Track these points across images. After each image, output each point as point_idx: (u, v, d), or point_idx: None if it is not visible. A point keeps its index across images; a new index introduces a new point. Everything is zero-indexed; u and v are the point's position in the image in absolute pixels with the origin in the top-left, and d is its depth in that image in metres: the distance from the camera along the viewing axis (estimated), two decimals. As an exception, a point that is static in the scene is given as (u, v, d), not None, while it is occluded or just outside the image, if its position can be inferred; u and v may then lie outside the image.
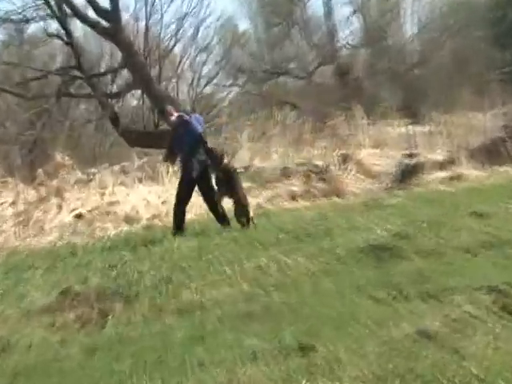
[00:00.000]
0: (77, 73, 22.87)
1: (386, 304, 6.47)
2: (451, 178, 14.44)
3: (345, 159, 16.13)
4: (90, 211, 13.86)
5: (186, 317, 7.13)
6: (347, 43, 32.17)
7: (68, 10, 22.10)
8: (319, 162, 15.85)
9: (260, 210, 13.62)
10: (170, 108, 12.19)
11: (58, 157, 15.29)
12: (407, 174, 14.86)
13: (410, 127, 18.67)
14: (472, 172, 14.80)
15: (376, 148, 17.89)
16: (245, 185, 15.90)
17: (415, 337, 5.42)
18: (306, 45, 33.00)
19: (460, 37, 29.96)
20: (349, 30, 32.65)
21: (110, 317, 7.40)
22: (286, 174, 15.99)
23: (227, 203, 11.68)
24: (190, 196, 11.64)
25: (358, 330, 5.81)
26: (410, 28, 32.60)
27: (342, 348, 5.35)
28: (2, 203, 14.38)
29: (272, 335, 6.00)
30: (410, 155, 16.06)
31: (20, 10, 21.95)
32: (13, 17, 22.01)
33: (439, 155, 16.03)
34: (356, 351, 5.25)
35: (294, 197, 14.45)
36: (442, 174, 14.75)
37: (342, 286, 7.36)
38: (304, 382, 4.78)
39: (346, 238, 9.54)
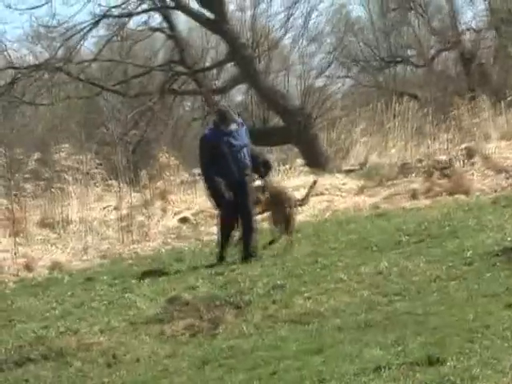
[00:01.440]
0: (180, 68, 23.14)
1: (525, 313, 6.28)
2: None
3: (470, 153, 15.83)
4: (195, 214, 14.00)
5: (301, 327, 7.13)
6: (471, 27, 31.63)
7: (171, 2, 22.41)
8: (442, 157, 15.62)
9: (377, 209, 13.51)
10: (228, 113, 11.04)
11: (163, 157, 15.48)
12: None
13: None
14: None
15: (505, 140, 17.48)
16: (359, 182, 15.89)
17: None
18: (425, 30, 32.59)
19: None
20: (472, 12, 32.08)
21: (220, 327, 7.44)
22: (405, 170, 15.83)
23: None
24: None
25: (493, 341, 5.68)
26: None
27: (476, 362, 5.22)
28: (105, 207, 14.68)
29: (397, 347, 5.93)
30: (545, 147, 15.64)
31: (121, 4, 22.37)
32: (114, 11, 22.41)
33: None
34: (492, 365, 5.12)
35: (414, 195, 14.27)
36: None
37: (473, 293, 7.24)
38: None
39: (475, 240, 9.37)
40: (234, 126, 10.65)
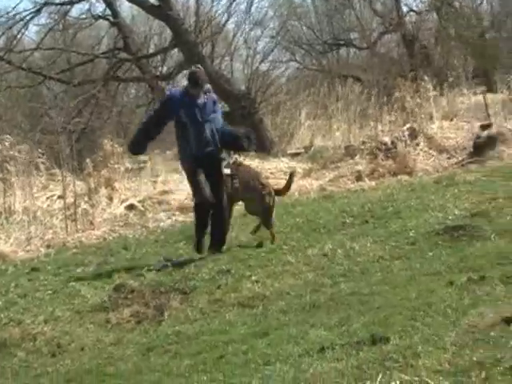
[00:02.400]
0: (124, 55, 22.98)
1: (466, 289, 6.34)
2: (533, 149, 14.18)
3: (414, 134, 15.94)
4: (141, 201, 13.93)
5: (247, 311, 7.14)
6: (413, 9, 31.82)
7: (114, -12, 22.26)
8: (386, 138, 15.69)
9: (323, 192, 13.57)
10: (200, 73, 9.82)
11: (107, 145, 15.34)
12: (483, 147, 14.59)
13: (484, 96, 18.31)
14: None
15: (448, 120, 17.66)
16: (305, 166, 15.93)
17: (500, 324, 5.28)
18: (368, 12, 32.73)
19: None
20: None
21: (166, 313, 7.43)
22: (350, 152, 15.91)
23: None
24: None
25: (435, 319, 5.71)
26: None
27: (419, 339, 5.24)
28: (49, 196, 14.54)
29: (341, 327, 5.95)
30: (486, 126, 15.78)
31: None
32: (56, -1, 22.19)
33: (518, 124, 15.74)
34: (434, 342, 5.13)
35: (359, 177, 14.35)
36: (523, 145, 14.49)
37: (416, 272, 7.28)
38: (379, 377, 4.66)
39: (418, 220, 9.46)
40: (201, 99, 9.51)
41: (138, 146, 10.05)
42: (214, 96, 9.97)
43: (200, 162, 9.44)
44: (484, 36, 29.48)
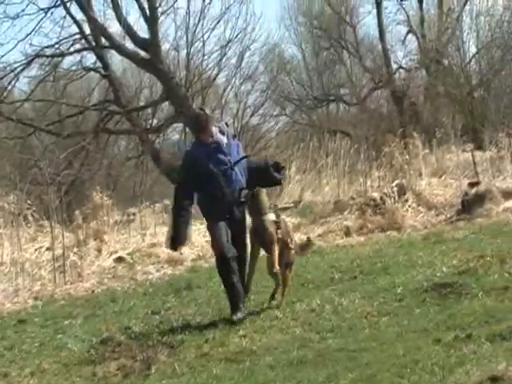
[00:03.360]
0: (115, 107, 23.16)
1: (453, 347, 6.37)
2: (521, 208, 14.24)
3: (402, 190, 15.97)
4: (130, 254, 13.92)
5: (234, 366, 7.10)
6: (402, 66, 32.11)
7: (105, 42, 22.41)
8: (375, 194, 15.73)
9: (312, 247, 13.57)
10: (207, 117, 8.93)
11: (97, 197, 15.37)
12: (472, 204, 14.66)
13: (473, 153, 18.44)
14: (544, 200, 14.59)
15: (436, 177, 17.72)
16: (294, 220, 15.96)
17: (486, 383, 5.31)
18: (358, 69, 33.07)
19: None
20: (404, 51, 32.57)
21: (153, 367, 7.38)
22: (339, 207, 15.93)
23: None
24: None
25: (422, 376, 5.74)
26: (469, 48, 32.44)
27: (406, 397, 5.25)
28: (38, 248, 14.50)
29: (328, 383, 5.92)
30: (475, 184, 15.86)
31: (55, 44, 22.31)
32: (47, 51, 22.35)
33: (506, 182, 15.80)
34: (421, 400, 5.15)
35: (348, 232, 14.36)
36: (511, 204, 14.52)
37: (404, 329, 7.29)
38: None
39: (406, 276, 9.46)
40: (223, 139, 8.77)
41: (179, 236, 8.94)
42: (237, 141, 9.32)
43: (233, 214, 8.80)
44: (472, 94, 29.74)
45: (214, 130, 8.76)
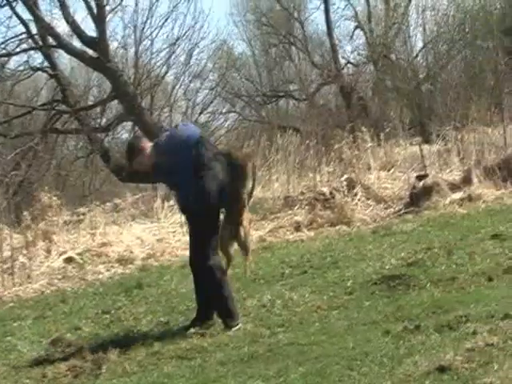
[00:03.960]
0: (63, 107, 22.99)
1: (402, 338, 6.43)
2: (467, 200, 14.35)
3: (352, 184, 16.03)
4: (80, 254, 13.80)
5: (185, 363, 7.08)
6: (350, 61, 32.29)
7: (52, 41, 22.22)
8: (324, 189, 15.77)
9: (263, 243, 13.58)
10: (138, 142, 8.51)
11: (45, 198, 15.20)
12: (419, 197, 14.77)
13: (420, 146, 18.60)
14: (490, 192, 14.71)
15: (385, 170, 17.82)
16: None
17: (434, 373, 5.35)
18: (306, 65, 33.17)
19: (470, 49, 30.08)
20: (352, 46, 32.76)
21: (104, 367, 7.32)
22: (289, 203, 15.92)
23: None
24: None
25: (371, 368, 5.77)
26: (416, 42, 32.73)
27: (354, 389, 5.28)
28: (-15, 250, 14.35)
29: (279, 378, 5.98)
30: (422, 177, 15.98)
31: (1, 44, 22.12)
32: (-6, 51, 22.15)
33: (453, 175, 15.96)
34: (370, 392, 5.17)
35: (298, 227, 14.38)
36: (457, 196, 14.63)
37: (354, 322, 7.35)
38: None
39: (355, 269, 9.54)
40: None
41: None
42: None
43: None
44: (419, 88, 29.98)
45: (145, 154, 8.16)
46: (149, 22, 23.03)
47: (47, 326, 9.41)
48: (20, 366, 7.83)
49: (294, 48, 33.72)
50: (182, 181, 8.04)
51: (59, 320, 9.58)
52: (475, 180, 15.13)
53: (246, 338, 7.51)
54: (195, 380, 6.46)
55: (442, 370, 5.34)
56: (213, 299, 8.14)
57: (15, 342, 8.84)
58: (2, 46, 22.31)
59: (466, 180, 15.23)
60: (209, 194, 8.02)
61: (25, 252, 13.58)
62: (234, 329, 7.83)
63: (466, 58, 30.58)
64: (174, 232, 14.61)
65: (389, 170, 17.80)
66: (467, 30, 30.86)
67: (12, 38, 22.28)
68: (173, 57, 24.21)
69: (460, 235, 10.66)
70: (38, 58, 23.36)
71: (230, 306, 8.08)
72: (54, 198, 15.05)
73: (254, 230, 14.75)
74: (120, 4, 22.35)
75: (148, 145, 8.19)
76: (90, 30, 21.74)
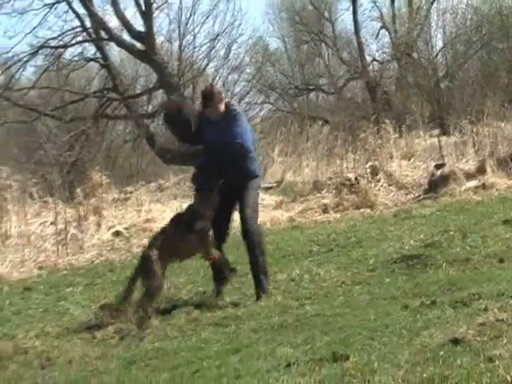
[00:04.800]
0: (113, 95, 23.08)
1: (419, 313, 6.40)
2: (481, 188, 14.25)
3: (375, 171, 15.99)
4: (127, 228, 13.89)
5: (221, 329, 7.11)
6: (376, 58, 32.08)
7: (104, 34, 22.30)
8: (350, 175, 15.74)
9: (292, 222, 13.60)
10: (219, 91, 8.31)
11: (96, 177, 15.34)
12: (437, 184, 14.69)
13: (439, 138, 18.48)
14: (502, 181, 14.60)
15: (406, 159, 17.73)
16: (277, 198, 15.95)
17: (448, 344, 5.32)
18: (335, 61, 32.99)
19: (486, 50, 29.84)
20: (377, 45, 32.56)
21: (147, 331, 7.37)
22: (317, 187, 15.92)
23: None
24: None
25: (391, 339, 5.75)
26: (436, 42, 32.52)
27: (376, 357, 5.26)
28: (42, 222, 14.46)
29: (306, 345, 5.95)
30: (440, 166, 15.88)
31: (58, 36, 22.22)
32: (51, 42, 22.25)
33: (468, 165, 15.84)
34: (389, 360, 5.16)
35: (325, 209, 14.37)
36: (472, 184, 14.55)
37: (375, 296, 7.34)
38: (339, 391, 4.71)
39: (377, 249, 9.52)
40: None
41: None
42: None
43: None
44: (439, 85, 29.75)
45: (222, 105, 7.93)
46: (192, 18, 23.00)
47: (96, 292, 9.52)
48: (72, 328, 7.89)
49: (324, 45, 33.48)
50: (249, 148, 8.02)
51: (107, 287, 9.68)
52: (489, 170, 15.02)
53: (276, 308, 7.51)
54: (230, 345, 6.45)
55: (455, 342, 5.30)
56: (259, 260, 8.11)
57: (68, 305, 8.95)
58: (59, 38, 22.39)
59: (481, 170, 15.12)
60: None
61: (77, 225, 13.70)
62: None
63: (482, 58, 30.35)
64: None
65: (409, 159, 17.71)
66: (484, 32, 30.66)
67: (68, 31, 22.38)
68: (213, 51, 24.17)
69: (474, 220, 10.59)
70: (91, 50, 23.47)
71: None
72: (104, 177, 15.20)
73: (285, 211, 14.79)
74: (166, 2, 22.41)
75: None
76: (138, 25, 21.83)
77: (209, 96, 7.91)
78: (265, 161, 20.25)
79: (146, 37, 21.47)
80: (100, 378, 6.18)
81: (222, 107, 7.91)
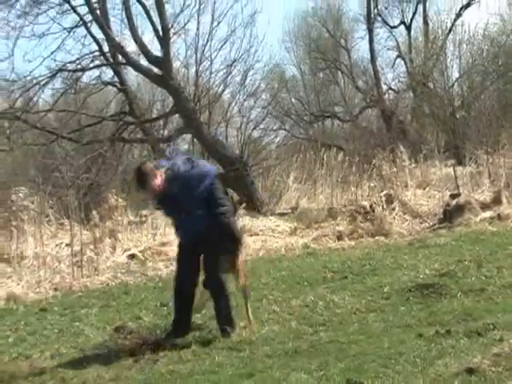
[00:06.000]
0: (130, 118, 23.13)
1: (433, 341, 6.41)
2: (497, 218, 14.22)
3: (390, 199, 15.99)
4: (142, 251, 13.93)
5: (235, 354, 7.12)
6: (391, 87, 32.17)
7: (121, 59, 22.45)
8: (365, 203, 15.75)
9: (307, 249, 13.60)
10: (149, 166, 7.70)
11: (112, 200, 15.39)
12: (452, 214, 14.68)
13: (454, 168, 18.47)
14: (517, 212, 14.58)
15: (421, 188, 17.76)
16: (291, 225, 15.97)
17: (462, 374, 5.33)
18: (351, 89, 33.09)
19: (502, 81, 29.85)
20: (393, 74, 32.69)
21: (161, 354, 7.38)
22: (332, 214, 15.93)
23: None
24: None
25: (405, 367, 5.76)
26: (452, 73, 32.59)
27: (390, 385, 5.28)
28: (58, 244, 14.54)
29: (319, 372, 5.98)
30: (456, 195, 15.87)
31: (76, 60, 22.38)
32: (69, 66, 22.41)
33: (484, 195, 15.83)
34: (403, 388, 5.18)
35: (340, 236, 14.36)
36: (487, 214, 14.51)
37: (389, 324, 7.33)
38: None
39: (392, 277, 9.51)
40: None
41: None
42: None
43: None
44: (455, 115, 29.75)
45: (158, 179, 7.52)
46: (208, 44, 22.98)
47: (111, 314, 9.52)
48: (86, 349, 7.93)
49: (340, 73, 33.61)
50: (197, 208, 7.71)
51: (122, 309, 9.68)
52: (505, 200, 15.01)
53: (291, 334, 7.53)
54: (244, 370, 6.48)
55: (470, 372, 5.32)
56: (221, 311, 7.87)
57: (82, 327, 8.98)
58: (77, 61, 22.54)
59: (496, 200, 15.11)
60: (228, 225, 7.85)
61: (92, 247, 13.74)
62: (232, 335, 7.64)
63: (498, 89, 30.35)
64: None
65: (424, 189, 17.74)
66: (500, 62, 30.71)
67: (86, 54, 22.42)
68: (229, 77, 24.10)
69: (489, 250, 10.57)
70: (108, 74, 23.48)
71: (234, 316, 7.90)
72: (120, 200, 15.25)
73: (300, 238, 14.80)
74: (183, 27, 22.48)
75: (159, 171, 7.56)
76: (155, 50, 21.84)
77: (140, 179, 7.59)
78: (279, 187, 20.34)
79: (163, 62, 21.52)
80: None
81: (158, 182, 7.51)
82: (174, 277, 8.26)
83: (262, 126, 26.71)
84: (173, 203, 7.68)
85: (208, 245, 7.75)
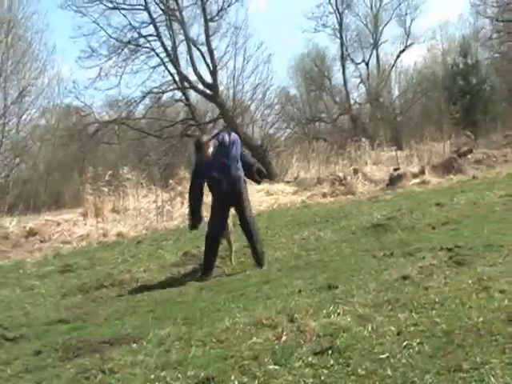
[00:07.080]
0: (192, 122, 23.14)
1: (382, 260, 6.34)
2: (421, 183, 14.11)
3: (356, 172, 15.95)
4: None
5: (258, 268, 7.09)
6: (356, 101, 32.09)
7: (186, 84, 22.44)
8: (340, 174, 15.70)
9: (304, 204, 13.57)
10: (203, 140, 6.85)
11: (181, 173, 15.47)
12: (394, 180, 14.60)
13: (396, 152, 18.36)
14: (435, 179, 14.44)
15: (375, 165, 17.66)
16: (294, 188, 15.88)
17: (400, 280, 5.31)
18: (331, 102, 32.89)
19: (425, 97, 30.02)
20: (358, 92, 32.83)
21: (213, 270, 7.27)
22: (319, 181, 15.89)
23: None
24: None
25: (364, 276, 5.72)
26: (395, 92, 33.07)
27: (354, 287, 5.27)
28: (148, 201, 14.62)
29: (311, 279, 5.95)
30: (396, 169, 15.79)
31: (158, 86, 22.46)
32: (154, 90, 22.51)
33: (414, 168, 15.69)
34: (363, 289, 5.16)
35: (324, 195, 14.33)
36: (416, 180, 14.42)
37: (355, 250, 7.28)
38: (331, 307, 4.72)
39: (356, 220, 9.43)
40: (211, 150, 6.79)
41: (196, 218, 7.17)
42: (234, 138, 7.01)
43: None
44: (396, 118, 29.78)
45: (210, 148, 6.81)
46: (241, 74, 22.94)
47: (181, 244, 9.56)
48: (165, 266, 7.98)
49: (324, 93, 33.38)
50: (235, 162, 6.99)
51: (188, 242, 9.69)
52: (427, 172, 14.89)
53: (292, 256, 7.52)
54: (263, 278, 6.45)
55: (404, 278, 5.28)
56: (256, 244, 7.14)
57: (163, 252, 9.03)
58: (159, 87, 22.57)
59: (421, 172, 14.98)
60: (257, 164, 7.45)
61: (169, 203, 13.79)
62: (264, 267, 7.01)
63: (422, 102, 30.60)
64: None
65: (377, 165, 17.62)
66: (423, 85, 30.97)
67: (164, 82, 22.55)
68: (254, 95, 24.08)
69: (417, 203, 10.47)
70: (178, 94, 23.56)
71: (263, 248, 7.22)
72: (186, 173, 15.26)
73: (299, 196, 14.72)
74: (225, 65, 22.50)
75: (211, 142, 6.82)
76: (207, 78, 21.86)
77: (199, 147, 6.84)
78: (287, 165, 20.29)
79: (213, 86, 21.56)
80: (182, 297, 6.20)
81: (210, 149, 6.80)
82: (207, 220, 7.17)
83: (275, 126, 26.64)
84: (217, 162, 6.82)
85: (240, 194, 7.02)
